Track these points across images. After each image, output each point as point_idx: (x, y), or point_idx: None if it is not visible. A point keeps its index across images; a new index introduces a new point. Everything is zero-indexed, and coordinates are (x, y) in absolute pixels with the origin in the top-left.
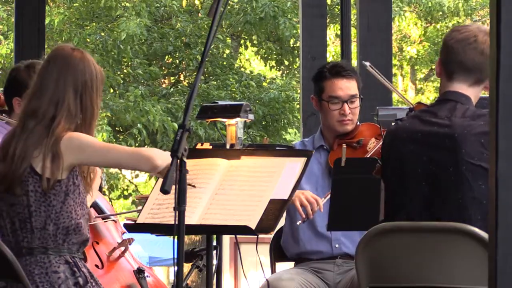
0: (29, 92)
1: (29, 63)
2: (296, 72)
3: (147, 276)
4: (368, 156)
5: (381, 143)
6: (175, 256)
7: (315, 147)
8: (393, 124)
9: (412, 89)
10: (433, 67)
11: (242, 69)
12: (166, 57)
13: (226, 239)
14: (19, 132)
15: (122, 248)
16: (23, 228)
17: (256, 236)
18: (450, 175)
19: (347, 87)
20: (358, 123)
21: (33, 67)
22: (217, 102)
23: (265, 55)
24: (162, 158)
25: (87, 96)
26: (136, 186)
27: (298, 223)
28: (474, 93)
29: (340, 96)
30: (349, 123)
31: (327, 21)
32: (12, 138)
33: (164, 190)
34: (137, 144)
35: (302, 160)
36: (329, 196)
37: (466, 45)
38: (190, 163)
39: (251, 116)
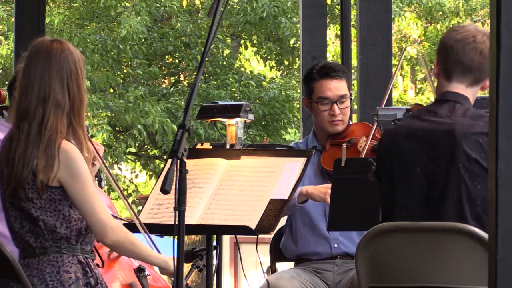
0: (16, 92)
1: None
2: (296, 72)
3: (147, 274)
4: (363, 155)
5: (369, 140)
6: (175, 256)
7: (309, 148)
8: (392, 123)
9: (412, 89)
10: (434, 67)
11: (242, 69)
12: (166, 57)
13: (226, 239)
14: (16, 134)
15: None
16: (33, 231)
17: (256, 236)
18: (448, 172)
19: (336, 87)
20: (351, 123)
21: None
22: (217, 102)
23: (265, 55)
24: (116, 244)
25: (73, 83)
26: (136, 186)
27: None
28: (472, 93)
29: (329, 97)
30: (340, 123)
31: (327, 21)
32: (11, 141)
33: (164, 190)
34: (137, 144)
35: (302, 160)
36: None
37: (465, 45)
38: (190, 163)
39: (251, 116)
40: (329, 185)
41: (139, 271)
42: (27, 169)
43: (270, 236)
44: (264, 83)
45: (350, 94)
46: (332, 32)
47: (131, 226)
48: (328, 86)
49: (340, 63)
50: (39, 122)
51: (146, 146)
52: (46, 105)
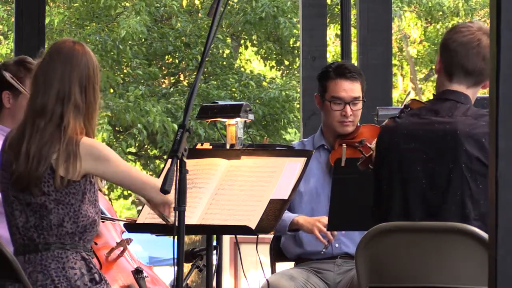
0: (32, 89)
1: (19, 58)
2: (296, 72)
3: (145, 276)
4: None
5: None
6: (175, 256)
7: (315, 146)
8: (391, 120)
9: (412, 90)
10: (433, 67)
11: (242, 69)
12: (166, 57)
13: (226, 239)
14: (30, 131)
15: (121, 249)
16: (39, 225)
17: (256, 236)
18: (449, 172)
19: (351, 88)
20: (359, 124)
21: (23, 62)
22: (217, 102)
23: (265, 55)
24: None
25: (90, 88)
26: None
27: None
28: (473, 93)
29: (342, 97)
30: (350, 125)
31: (327, 21)
32: (22, 136)
33: (164, 190)
34: (137, 144)
35: (302, 160)
36: None
37: (470, 50)
38: (190, 163)
39: (251, 116)
40: (320, 217)
41: (137, 272)
42: (44, 165)
43: (270, 236)
44: (264, 83)
45: (363, 97)
46: (332, 32)
47: (131, 226)
48: (343, 87)
49: (356, 65)
50: (57, 122)
51: (146, 146)
52: (66, 107)
